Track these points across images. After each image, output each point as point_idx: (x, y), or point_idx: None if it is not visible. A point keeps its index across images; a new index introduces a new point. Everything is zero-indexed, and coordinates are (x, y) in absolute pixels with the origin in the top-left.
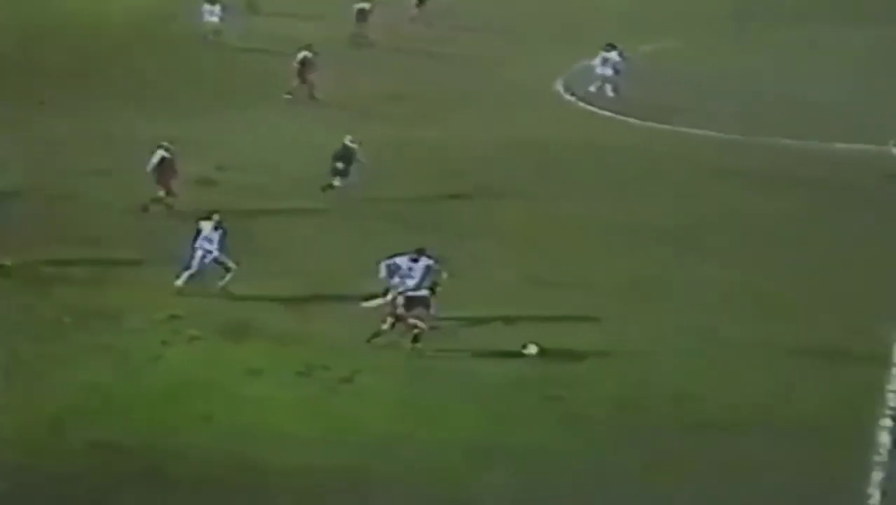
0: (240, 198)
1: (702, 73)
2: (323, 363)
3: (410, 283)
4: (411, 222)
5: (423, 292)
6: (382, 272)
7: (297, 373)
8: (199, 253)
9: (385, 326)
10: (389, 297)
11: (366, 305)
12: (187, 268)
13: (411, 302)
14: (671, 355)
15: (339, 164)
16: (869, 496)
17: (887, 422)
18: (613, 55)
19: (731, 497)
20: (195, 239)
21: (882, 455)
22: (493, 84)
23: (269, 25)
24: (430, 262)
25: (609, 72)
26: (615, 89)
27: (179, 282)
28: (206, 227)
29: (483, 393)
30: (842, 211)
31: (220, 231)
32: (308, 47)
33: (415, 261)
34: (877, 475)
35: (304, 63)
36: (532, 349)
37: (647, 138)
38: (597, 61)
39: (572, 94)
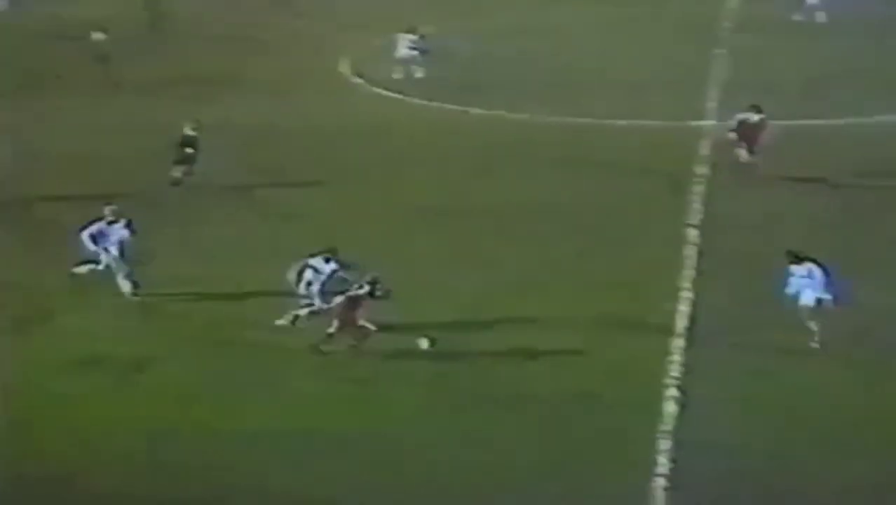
0: (41, 186)
1: (498, 54)
2: (111, 353)
3: (315, 288)
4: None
5: (364, 290)
6: (298, 276)
7: (82, 363)
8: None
9: (332, 330)
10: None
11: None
12: (89, 261)
13: (354, 302)
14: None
15: (187, 152)
16: (657, 464)
17: (673, 392)
18: (415, 38)
19: (518, 465)
20: (83, 229)
21: (669, 424)
22: (283, 67)
23: (60, 7)
24: (336, 266)
25: (414, 53)
26: (414, 72)
27: (81, 269)
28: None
29: (282, 381)
30: (634, 188)
31: (119, 224)
32: (103, 30)
33: (327, 261)
34: (665, 444)
35: (99, 46)
36: (424, 343)
37: (447, 121)
38: (400, 44)
39: (360, 77)
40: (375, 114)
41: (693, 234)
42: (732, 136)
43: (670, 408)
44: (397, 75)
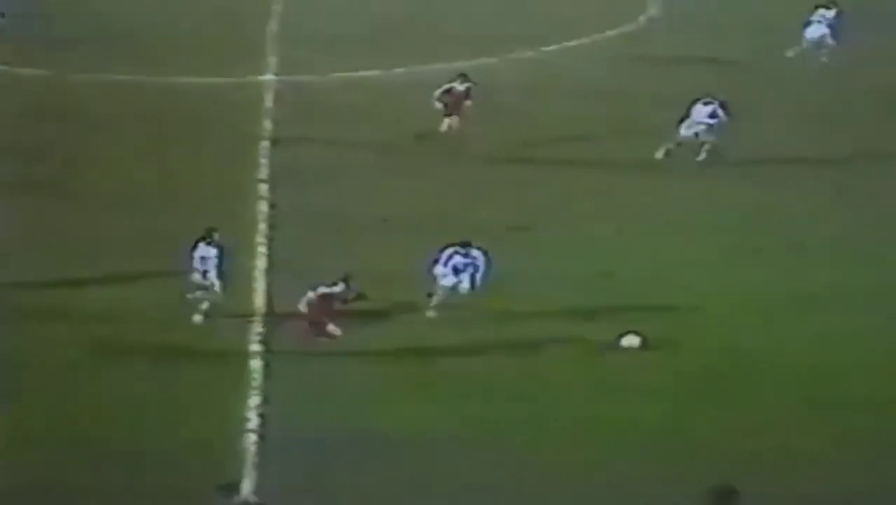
0: None
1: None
2: None
3: (212, 275)
4: None
5: (338, 287)
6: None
7: None
8: None
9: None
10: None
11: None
12: None
13: (329, 300)
14: None
15: None
16: (248, 420)
17: (256, 347)
18: None
19: (102, 424)
20: None
21: (257, 380)
22: None
23: None
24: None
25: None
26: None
27: None
28: None
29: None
30: (205, 145)
31: None
32: None
33: (208, 244)
34: (254, 400)
35: None
36: (635, 341)
37: None
38: None
39: None
40: None
41: (264, 188)
42: (439, 105)
43: (256, 363)
44: None
